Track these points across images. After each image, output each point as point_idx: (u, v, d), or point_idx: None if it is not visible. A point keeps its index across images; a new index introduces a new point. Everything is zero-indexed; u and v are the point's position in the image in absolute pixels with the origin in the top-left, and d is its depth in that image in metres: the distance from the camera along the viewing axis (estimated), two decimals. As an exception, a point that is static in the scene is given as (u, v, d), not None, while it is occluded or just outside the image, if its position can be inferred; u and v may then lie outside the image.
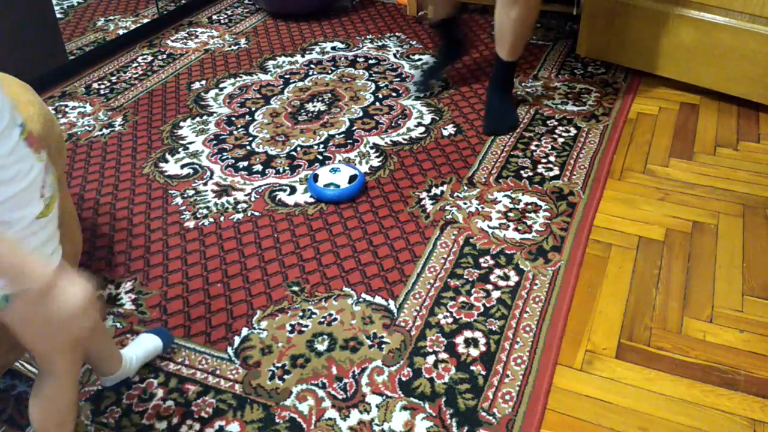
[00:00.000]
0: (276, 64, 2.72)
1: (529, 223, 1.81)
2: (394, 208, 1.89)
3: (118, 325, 1.55)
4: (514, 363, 1.43)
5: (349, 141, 2.19)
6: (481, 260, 1.70)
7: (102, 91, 2.55)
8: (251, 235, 1.80)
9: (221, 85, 2.58)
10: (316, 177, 1.94)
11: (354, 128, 2.26)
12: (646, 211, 1.86)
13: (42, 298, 0.90)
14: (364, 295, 1.60)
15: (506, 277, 1.65)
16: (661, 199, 1.90)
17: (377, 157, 2.11)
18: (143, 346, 1.43)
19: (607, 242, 1.76)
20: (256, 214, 1.88)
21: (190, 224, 1.85)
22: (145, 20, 3.05)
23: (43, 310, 0.91)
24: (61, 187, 1.47)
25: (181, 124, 2.33)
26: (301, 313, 1.56)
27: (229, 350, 1.48)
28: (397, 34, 2.96)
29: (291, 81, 2.59)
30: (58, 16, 2.72)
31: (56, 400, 1.10)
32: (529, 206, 1.88)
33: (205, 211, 1.90)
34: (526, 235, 1.77)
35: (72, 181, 2.05)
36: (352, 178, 1.93)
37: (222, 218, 1.87)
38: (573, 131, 2.20)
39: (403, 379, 1.40)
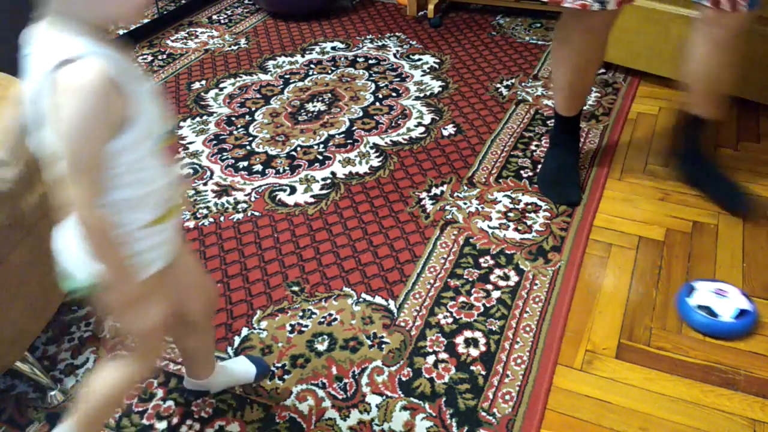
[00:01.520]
0: (276, 64, 2.72)
1: (529, 223, 1.81)
2: (394, 208, 1.89)
3: (118, 325, 1.55)
4: (514, 363, 1.43)
5: (349, 141, 2.19)
6: (481, 260, 1.70)
7: (102, 91, 2.55)
8: (251, 235, 1.80)
9: (221, 85, 2.58)
10: (691, 290, 1.54)
11: (354, 128, 2.26)
12: (646, 211, 1.86)
13: (115, 306, 0.92)
14: (364, 295, 1.60)
15: (506, 277, 1.65)
16: (661, 199, 1.90)
17: (377, 157, 2.11)
18: (235, 369, 1.38)
19: (607, 242, 1.76)
20: (256, 214, 1.88)
21: (190, 224, 1.85)
22: (145, 20, 3.05)
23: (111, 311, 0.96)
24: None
25: (181, 124, 2.33)
26: (301, 313, 1.56)
27: (229, 350, 1.48)
28: (397, 34, 2.96)
29: (291, 81, 2.59)
30: (58, 16, 2.72)
31: (118, 373, 1.11)
32: (529, 206, 1.88)
33: (205, 211, 1.90)
34: (526, 235, 1.77)
35: (72, 181, 2.05)
36: (740, 313, 1.48)
37: (222, 218, 1.87)
38: (573, 131, 2.20)
39: (403, 379, 1.40)
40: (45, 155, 0.89)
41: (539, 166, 2.00)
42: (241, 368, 1.38)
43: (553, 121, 1.99)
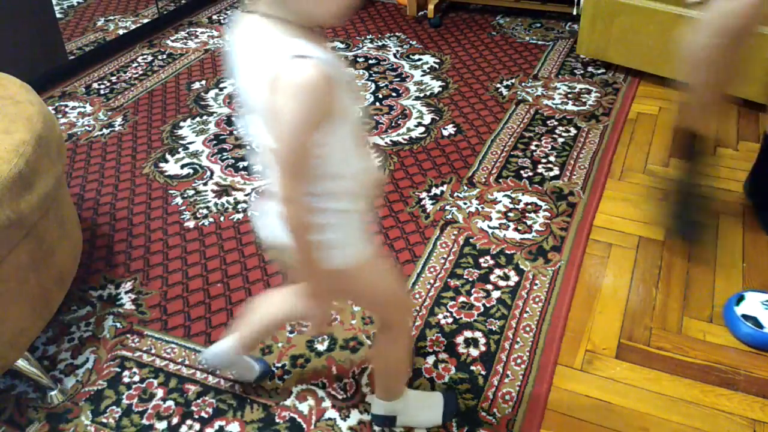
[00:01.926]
0: (276, 64, 2.72)
1: (529, 223, 1.81)
2: (394, 208, 1.89)
3: (118, 325, 1.55)
4: (514, 363, 1.43)
5: (349, 141, 2.19)
6: (481, 260, 1.70)
7: (102, 91, 2.55)
8: (251, 235, 1.80)
9: (221, 85, 2.58)
10: (740, 299, 1.50)
11: (354, 128, 2.26)
12: (646, 211, 1.86)
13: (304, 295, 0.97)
14: (364, 295, 1.60)
15: (506, 277, 1.65)
16: (661, 199, 1.90)
17: (377, 157, 2.11)
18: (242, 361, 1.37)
19: (607, 242, 1.76)
20: (256, 214, 1.88)
21: (190, 224, 1.85)
22: (145, 20, 3.05)
23: (369, 276, 1.04)
24: (61, 187, 1.47)
25: (181, 124, 2.33)
26: (301, 313, 1.56)
27: (229, 350, 1.48)
28: (397, 34, 2.96)
29: (291, 81, 2.58)
30: (58, 16, 2.72)
31: (388, 346, 1.18)
32: (529, 206, 1.88)
33: (205, 211, 1.90)
34: (526, 235, 1.77)
35: (72, 181, 2.05)
36: None
37: (222, 218, 1.87)
38: (573, 131, 2.20)
39: (403, 379, 1.40)
40: (253, 140, 0.95)
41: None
42: (244, 363, 1.38)
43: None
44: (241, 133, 2.19)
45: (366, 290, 1.09)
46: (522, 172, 2.02)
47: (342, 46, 2.86)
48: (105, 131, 2.30)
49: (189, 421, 1.33)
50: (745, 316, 1.46)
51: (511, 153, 2.11)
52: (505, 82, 2.52)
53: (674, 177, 1.79)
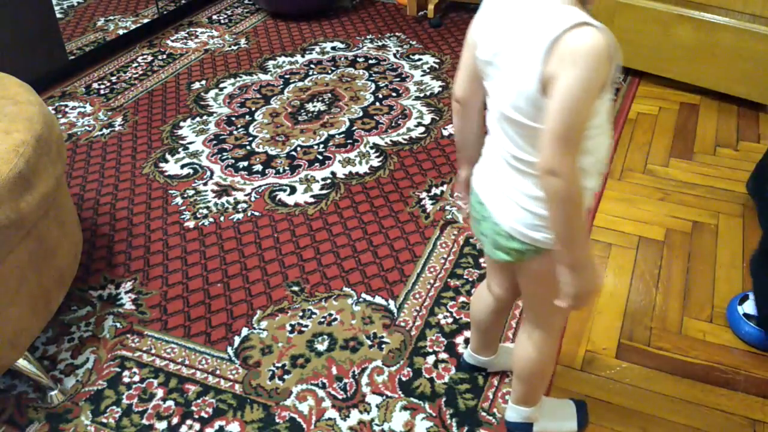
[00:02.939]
0: (276, 64, 2.72)
1: (529, 223, 1.81)
2: (394, 208, 1.89)
3: (118, 325, 1.55)
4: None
5: (349, 141, 2.19)
6: (481, 260, 1.70)
7: (102, 91, 2.55)
8: (251, 235, 1.80)
9: (221, 85, 2.58)
10: (744, 299, 1.51)
11: (354, 128, 2.26)
12: (646, 211, 1.86)
13: (571, 269, 0.91)
14: (364, 295, 1.60)
15: (506, 277, 1.64)
16: (661, 199, 1.90)
17: (377, 157, 2.11)
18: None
19: (607, 242, 1.76)
20: (256, 214, 1.88)
21: (190, 224, 1.85)
22: (145, 20, 3.05)
23: (555, 276, 0.94)
24: (61, 187, 1.47)
25: (181, 124, 2.33)
26: (301, 313, 1.56)
27: (229, 350, 1.48)
28: (397, 34, 2.96)
29: (291, 81, 2.58)
30: (58, 16, 2.72)
31: (540, 351, 1.14)
32: (529, 206, 1.87)
33: (205, 211, 1.90)
34: (526, 235, 1.77)
35: (72, 181, 2.05)
36: None
37: (222, 218, 1.87)
38: (573, 131, 2.20)
39: (403, 379, 1.40)
40: (494, 107, 0.92)
41: None
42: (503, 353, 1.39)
43: None
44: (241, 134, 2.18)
45: (550, 277, 1.01)
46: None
47: (342, 46, 2.86)
48: (105, 131, 2.30)
49: (189, 421, 1.33)
50: (747, 315, 1.46)
51: (511, 153, 2.11)
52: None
53: None
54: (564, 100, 0.80)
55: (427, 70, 2.63)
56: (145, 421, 1.33)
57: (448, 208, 1.88)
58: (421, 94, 2.45)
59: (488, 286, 1.23)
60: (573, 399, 1.33)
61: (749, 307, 1.47)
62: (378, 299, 1.59)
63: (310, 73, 2.64)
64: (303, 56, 2.78)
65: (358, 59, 2.73)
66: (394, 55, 2.76)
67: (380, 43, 2.87)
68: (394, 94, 2.46)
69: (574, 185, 0.85)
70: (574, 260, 0.90)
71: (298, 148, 2.16)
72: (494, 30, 0.89)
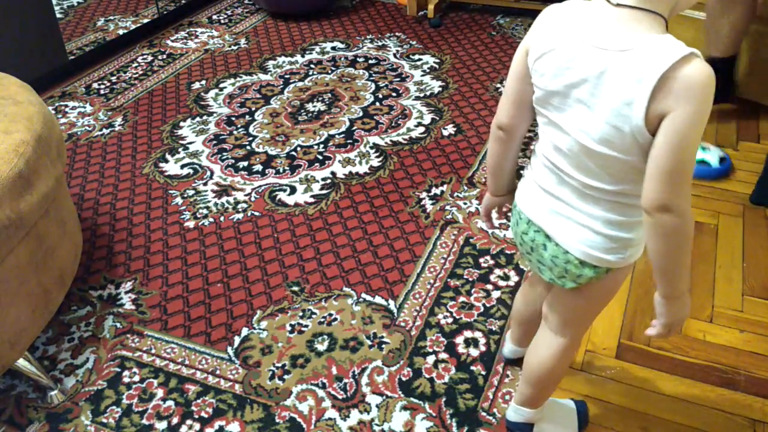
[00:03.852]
0: (276, 64, 2.72)
1: (529, 223, 1.81)
2: (394, 208, 1.89)
3: (118, 325, 1.55)
4: (506, 366, 1.42)
5: (349, 141, 2.19)
6: (481, 260, 1.70)
7: (102, 91, 2.55)
8: (251, 235, 1.80)
9: (221, 85, 2.58)
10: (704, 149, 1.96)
11: (354, 128, 2.26)
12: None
13: (669, 300, 0.92)
14: (364, 295, 1.60)
15: (506, 277, 1.65)
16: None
17: (377, 157, 2.11)
18: None
19: (607, 242, 1.75)
20: (256, 214, 1.88)
21: (190, 224, 1.85)
22: (145, 20, 3.05)
23: (610, 292, 1.03)
24: (61, 187, 1.47)
25: (181, 124, 2.33)
26: (301, 313, 1.56)
27: (229, 350, 1.48)
28: (397, 34, 2.96)
29: (291, 81, 2.59)
30: (58, 16, 2.72)
31: (558, 360, 1.13)
32: (529, 206, 1.87)
33: (205, 211, 1.90)
34: (526, 235, 1.77)
35: (72, 181, 2.05)
36: (722, 159, 1.97)
37: (222, 218, 1.87)
38: (573, 131, 2.20)
39: (403, 379, 1.40)
40: (567, 138, 0.91)
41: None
42: None
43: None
44: (241, 134, 2.18)
45: (606, 293, 1.05)
46: (522, 171, 2.02)
47: (342, 46, 2.86)
48: (105, 131, 2.30)
49: (189, 421, 1.33)
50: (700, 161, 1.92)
51: (511, 153, 2.11)
52: (505, 82, 2.51)
53: None
54: (679, 137, 0.79)
55: (427, 70, 2.63)
56: (145, 421, 1.33)
57: (448, 208, 1.88)
58: (421, 94, 2.45)
59: (534, 290, 1.24)
60: (573, 399, 1.33)
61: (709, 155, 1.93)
62: (378, 299, 1.59)
63: (310, 73, 2.64)
64: (303, 56, 2.78)
65: (358, 59, 2.73)
66: (394, 55, 2.76)
67: (380, 43, 2.87)
68: (394, 94, 2.46)
69: (689, 220, 0.84)
70: (675, 292, 0.91)
71: (298, 148, 2.16)
72: (566, 61, 0.86)
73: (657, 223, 0.84)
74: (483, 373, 1.41)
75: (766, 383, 1.38)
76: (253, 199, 1.94)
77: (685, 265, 0.89)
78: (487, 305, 1.57)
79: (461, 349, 1.47)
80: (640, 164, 0.84)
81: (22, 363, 1.36)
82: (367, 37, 2.94)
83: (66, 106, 2.46)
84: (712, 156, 1.96)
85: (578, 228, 0.95)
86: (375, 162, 2.09)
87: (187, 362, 1.46)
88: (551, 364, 1.14)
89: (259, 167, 2.08)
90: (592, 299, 1.05)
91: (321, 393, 1.38)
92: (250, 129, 2.28)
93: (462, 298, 1.59)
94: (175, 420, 1.33)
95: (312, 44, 2.89)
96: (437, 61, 2.71)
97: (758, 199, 1.88)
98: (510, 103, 1.01)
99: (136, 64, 2.75)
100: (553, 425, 1.27)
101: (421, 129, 2.25)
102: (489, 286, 1.62)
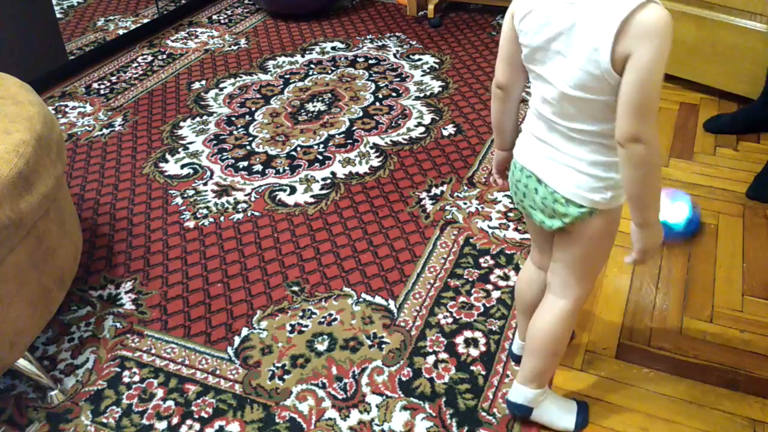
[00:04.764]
0: (276, 64, 2.72)
1: (529, 223, 1.81)
2: (394, 208, 1.89)
3: (118, 325, 1.55)
4: (514, 363, 1.42)
5: (349, 141, 2.19)
6: (481, 260, 1.70)
7: (102, 91, 2.55)
8: (251, 235, 1.80)
9: (221, 85, 2.58)
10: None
11: (354, 128, 2.26)
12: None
13: (642, 228, 1.00)
14: (364, 295, 1.60)
15: (506, 277, 1.65)
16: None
17: (377, 157, 2.11)
18: None
19: (607, 242, 1.75)
20: (256, 214, 1.88)
21: (190, 224, 1.85)
22: (145, 20, 3.05)
23: (603, 237, 1.08)
24: (61, 187, 1.47)
25: (181, 124, 2.33)
26: (301, 313, 1.56)
27: (229, 350, 1.48)
28: (397, 34, 2.96)
29: (291, 81, 2.59)
30: (58, 16, 2.72)
31: (561, 322, 1.17)
32: (529, 206, 1.87)
33: (205, 211, 1.90)
34: (527, 235, 1.77)
35: (72, 181, 2.05)
36: (689, 221, 1.62)
37: (222, 218, 1.87)
38: (573, 131, 2.20)
39: (403, 379, 1.40)
40: (550, 87, 0.99)
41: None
42: None
43: None
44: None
45: (603, 238, 1.10)
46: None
47: (342, 46, 2.86)
48: (105, 131, 2.30)
49: (189, 421, 1.33)
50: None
51: (511, 153, 2.11)
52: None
53: None
54: (642, 73, 0.88)
55: (427, 70, 2.63)
56: (145, 421, 1.33)
57: (448, 208, 1.88)
58: (421, 94, 2.45)
59: (536, 262, 1.27)
60: (576, 399, 1.33)
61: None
62: (378, 299, 1.59)
63: (310, 73, 2.64)
64: (303, 56, 2.78)
65: (358, 59, 2.73)
66: (394, 55, 2.76)
67: (380, 43, 2.87)
68: (394, 94, 2.46)
69: (657, 149, 0.93)
70: (647, 219, 0.99)
71: (298, 148, 2.16)
72: (544, 18, 0.95)
73: (629, 154, 0.92)
74: (483, 373, 1.41)
75: (766, 383, 1.38)
76: (253, 199, 1.94)
77: (655, 194, 0.98)
78: (487, 305, 1.57)
79: (461, 349, 1.47)
80: (614, 103, 0.92)
81: (22, 363, 1.36)
82: (367, 37, 2.94)
83: (66, 106, 2.46)
84: (676, 215, 1.62)
85: (565, 169, 1.03)
86: (375, 162, 2.09)
87: (187, 362, 1.46)
88: (554, 328, 1.18)
89: (259, 167, 2.08)
90: (585, 246, 1.10)
91: (321, 393, 1.38)
92: (250, 129, 2.28)
93: (462, 298, 1.59)
94: (175, 420, 1.33)
95: (312, 44, 2.89)
96: (437, 61, 2.70)
97: (755, 193, 1.89)
98: (504, 63, 1.10)
99: (136, 64, 2.75)
100: (552, 413, 1.28)
101: (421, 129, 2.25)
102: (489, 286, 1.62)
